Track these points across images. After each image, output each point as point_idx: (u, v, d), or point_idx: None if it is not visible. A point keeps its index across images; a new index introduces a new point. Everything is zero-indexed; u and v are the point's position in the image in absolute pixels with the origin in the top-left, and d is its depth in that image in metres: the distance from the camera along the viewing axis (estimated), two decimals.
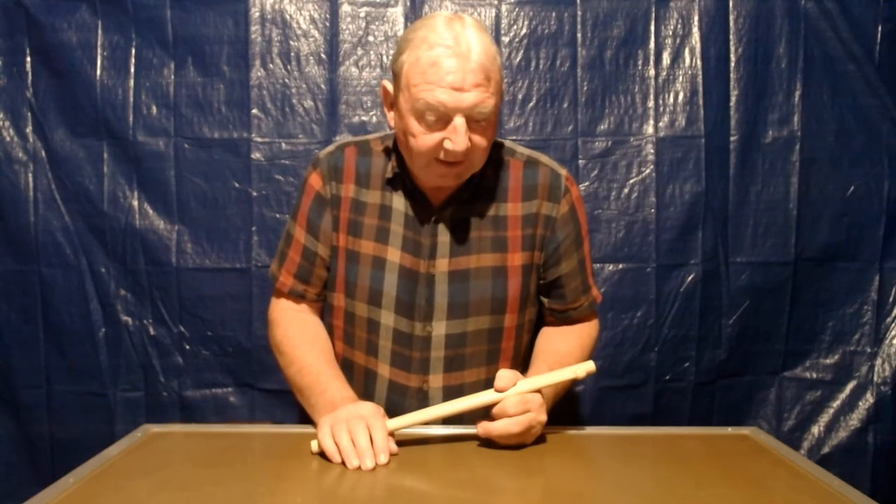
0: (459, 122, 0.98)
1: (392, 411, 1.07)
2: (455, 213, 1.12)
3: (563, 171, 1.17)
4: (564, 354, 1.14)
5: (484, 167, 1.11)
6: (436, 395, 1.13)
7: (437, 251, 1.11)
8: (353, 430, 0.93)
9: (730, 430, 1.13)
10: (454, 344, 1.13)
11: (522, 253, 1.14)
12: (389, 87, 1.07)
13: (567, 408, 1.75)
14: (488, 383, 1.02)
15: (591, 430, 1.13)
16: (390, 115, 1.09)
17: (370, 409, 0.98)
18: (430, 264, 1.11)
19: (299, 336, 1.16)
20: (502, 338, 1.16)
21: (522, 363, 1.20)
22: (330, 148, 1.19)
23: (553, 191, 1.14)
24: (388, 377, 1.15)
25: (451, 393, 1.12)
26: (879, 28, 1.76)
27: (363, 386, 1.18)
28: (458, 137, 0.98)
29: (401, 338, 1.13)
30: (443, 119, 0.99)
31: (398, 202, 1.13)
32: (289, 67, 1.76)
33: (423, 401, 1.13)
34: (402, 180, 1.12)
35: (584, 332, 1.22)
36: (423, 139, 1.01)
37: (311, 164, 1.19)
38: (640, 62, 1.77)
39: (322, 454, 0.95)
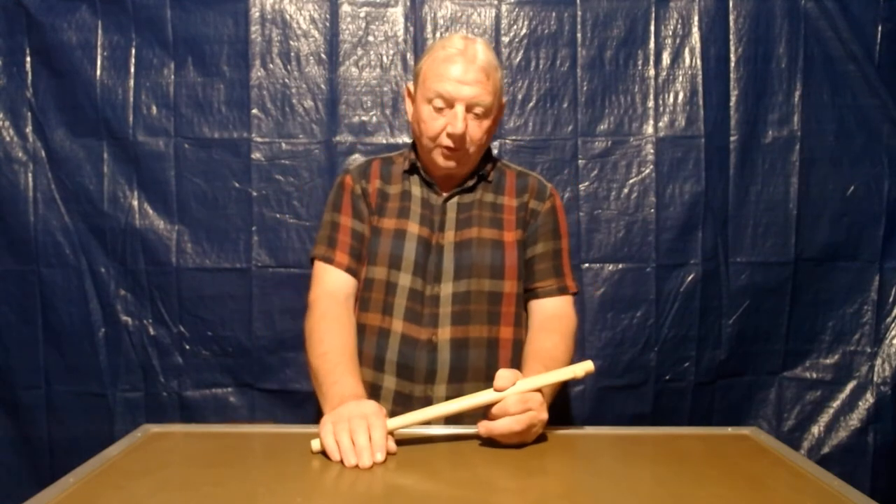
0: (460, 108, 1.21)
1: (403, 364, 1.23)
2: (461, 197, 1.32)
3: (549, 185, 1.38)
4: (551, 349, 1.20)
5: (486, 168, 1.34)
6: (444, 347, 1.23)
7: (445, 225, 1.30)
8: (354, 428, 0.95)
9: (730, 430, 1.13)
10: (459, 301, 1.26)
11: (516, 231, 1.32)
12: (411, 87, 1.32)
13: (567, 408, 1.76)
14: (491, 343, 1.24)
15: (591, 430, 1.13)
16: (410, 109, 1.32)
17: (372, 408, 1.00)
18: (439, 236, 1.29)
19: (335, 323, 1.22)
20: (503, 302, 1.28)
21: (523, 339, 1.30)
22: (358, 162, 1.44)
23: (540, 192, 1.35)
24: (400, 332, 1.25)
25: (456, 345, 1.24)
26: (879, 28, 1.76)
27: (375, 345, 1.27)
28: (456, 121, 1.21)
29: (415, 296, 1.26)
30: (448, 106, 1.22)
31: (416, 189, 1.34)
32: (289, 67, 1.76)
33: (431, 352, 1.23)
34: (418, 171, 1.33)
35: (562, 326, 1.27)
36: (430, 124, 1.24)
37: (341, 173, 1.38)
38: (640, 62, 1.77)
39: (322, 453, 0.95)
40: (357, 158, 1.75)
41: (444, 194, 1.32)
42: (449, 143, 1.23)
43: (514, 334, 1.29)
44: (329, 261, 1.29)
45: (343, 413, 0.98)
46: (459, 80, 1.21)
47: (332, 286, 1.28)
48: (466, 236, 1.29)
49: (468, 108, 1.22)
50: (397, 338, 1.25)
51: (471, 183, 1.32)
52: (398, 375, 1.24)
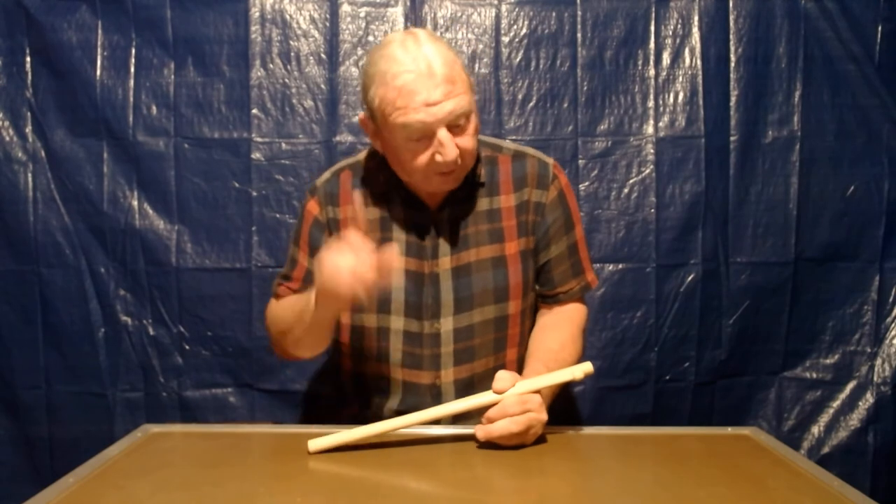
0: (443, 134, 1.03)
1: (407, 411, 1.09)
2: (452, 213, 1.17)
3: (550, 160, 1.22)
4: (557, 350, 1.15)
5: (477, 169, 1.17)
6: (448, 390, 1.17)
7: (438, 251, 1.16)
8: (340, 256, 0.95)
9: (730, 430, 1.13)
10: (463, 337, 1.17)
11: (518, 240, 1.18)
12: (365, 117, 1.12)
13: (567, 408, 1.75)
14: (497, 370, 1.05)
15: (590, 430, 1.13)
16: (376, 144, 1.14)
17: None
18: (433, 264, 1.16)
19: (287, 301, 1.20)
20: (508, 325, 1.19)
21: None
22: (326, 175, 1.24)
23: (541, 179, 1.19)
24: (401, 379, 1.18)
25: (462, 386, 1.17)
26: (879, 28, 1.76)
27: (377, 393, 1.21)
28: (446, 150, 1.03)
29: (411, 338, 1.16)
30: (427, 136, 1.04)
31: (397, 212, 1.18)
32: (289, 67, 1.76)
33: (436, 397, 1.17)
34: (397, 190, 1.17)
35: (572, 322, 1.23)
36: (416, 161, 1.06)
37: (308, 192, 1.24)
38: (640, 62, 1.77)
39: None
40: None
41: (431, 210, 1.16)
42: (442, 169, 1.06)
43: (519, 353, 1.22)
44: (276, 297, 1.25)
45: (324, 261, 0.97)
46: (428, 103, 1.01)
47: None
48: (464, 260, 1.16)
49: (450, 126, 1.04)
50: (398, 385, 1.18)
51: (462, 194, 1.16)
52: None
